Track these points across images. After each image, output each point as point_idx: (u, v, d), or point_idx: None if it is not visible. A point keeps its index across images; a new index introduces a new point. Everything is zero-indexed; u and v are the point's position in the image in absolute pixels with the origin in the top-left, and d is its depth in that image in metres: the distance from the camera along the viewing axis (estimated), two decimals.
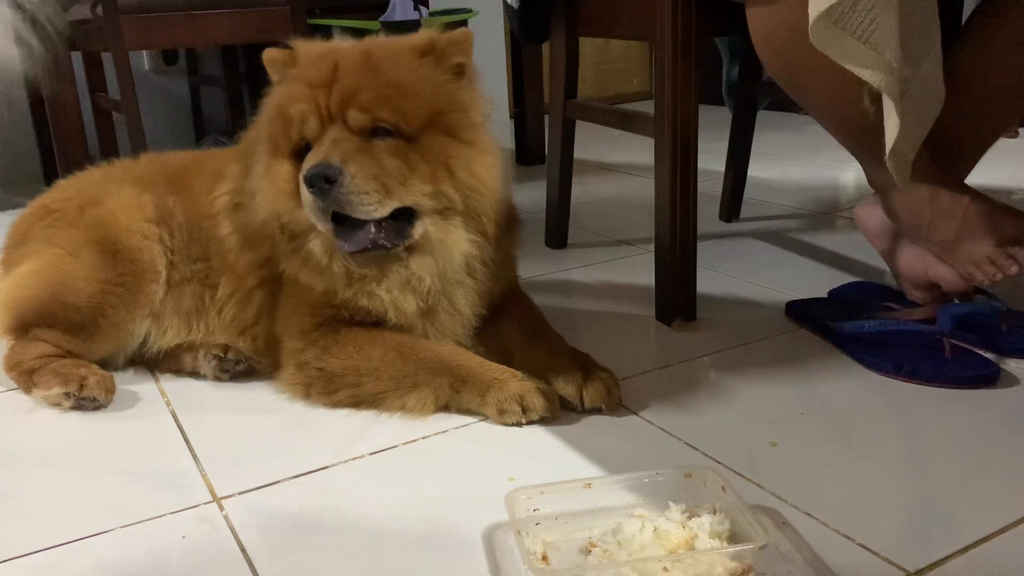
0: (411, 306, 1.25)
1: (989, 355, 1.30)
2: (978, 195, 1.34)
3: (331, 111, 1.18)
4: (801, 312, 1.50)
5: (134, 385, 1.39)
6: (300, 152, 1.21)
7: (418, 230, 1.22)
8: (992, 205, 1.33)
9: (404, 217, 1.21)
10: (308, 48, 1.27)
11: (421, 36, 1.24)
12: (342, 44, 1.27)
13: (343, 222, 1.18)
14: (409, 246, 1.23)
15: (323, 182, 1.13)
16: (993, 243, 1.31)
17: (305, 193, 1.16)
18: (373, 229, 1.18)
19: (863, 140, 1.33)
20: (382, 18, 2.69)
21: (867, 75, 1.09)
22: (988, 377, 1.24)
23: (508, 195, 1.31)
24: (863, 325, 1.34)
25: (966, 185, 1.36)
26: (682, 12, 1.42)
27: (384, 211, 1.17)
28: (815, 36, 1.09)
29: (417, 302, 1.25)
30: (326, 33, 2.58)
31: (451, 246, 1.24)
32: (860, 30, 1.07)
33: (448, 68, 1.22)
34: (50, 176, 2.31)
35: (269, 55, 1.28)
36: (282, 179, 1.24)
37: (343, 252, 1.22)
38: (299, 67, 1.24)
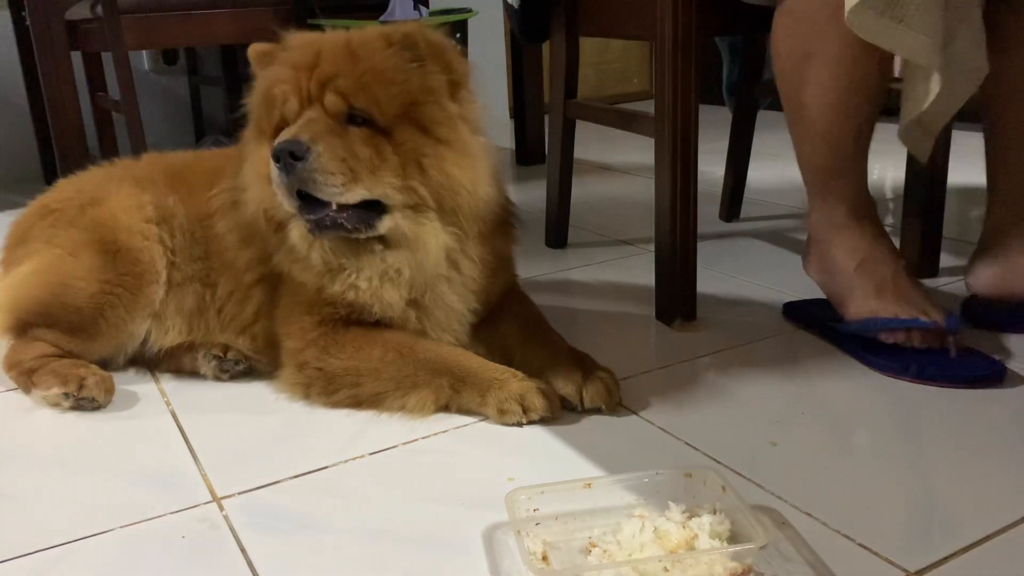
0: (393, 297, 1.25)
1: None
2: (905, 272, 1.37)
3: (311, 93, 1.19)
4: (799, 313, 1.50)
5: (134, 385, 1.39)
6: (276, 134, 1.21)
7: (386, 223, 1.21)
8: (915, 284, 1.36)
9: (374, 210, 1.20)
10: (295, 37, 1.28)
11: (399, 27, 1.23)
12: (330, 33, 1.28)
13: (309, 202, 1.18)
14: (384, 240, 1.23)
15: (288, 157, 1.13)
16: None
17: (273, 169, 1.16)
18: (335, 207, 1.18)
19: (842, 159, 1.35)
20: (382, 18, 2.68)
21: (918, 58, 1.10)
22: (995, 376, 1.24)
23: (499, 195, 1.30)
24: (868, 325, 1.33)
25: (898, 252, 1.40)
26: (682, 12, 1.42)
27: (350, 197, 1.17)
28: (855, 23, 1.09)
29: (400, 293, 1.26)
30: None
31: (425, 240, 1.23)
32: (906, 15, 1.08)
33: (428, 62, 1.22)
34: (50, 176, 2.31)
35: (256, 48, 1.29)
36: (262, 162, 1.23)
37: (315, 237, 1.22)
38: (286, 53, 1.25)
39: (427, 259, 1.24)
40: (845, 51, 1.25)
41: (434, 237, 1.23)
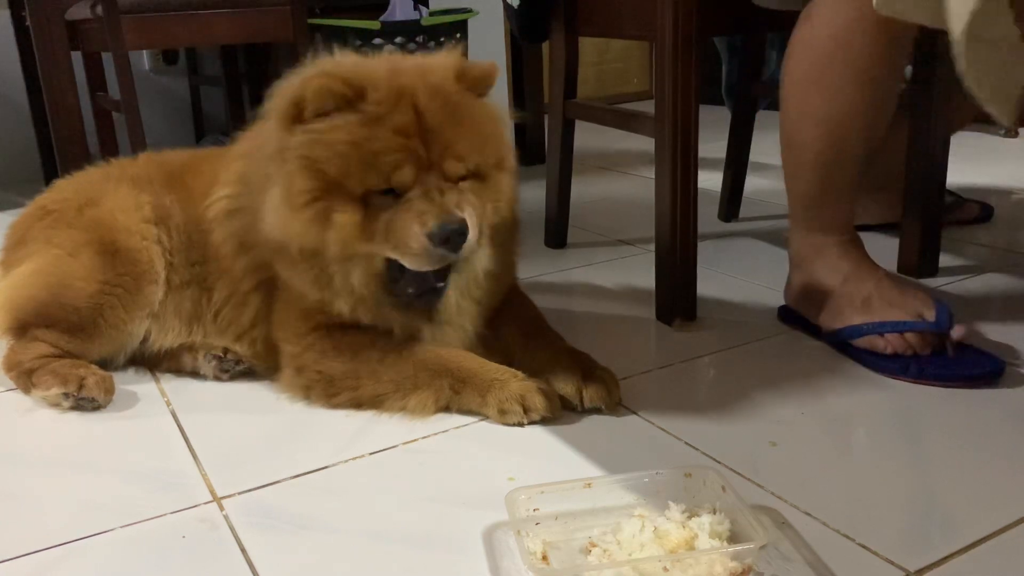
0: (424, 327, 1.26)
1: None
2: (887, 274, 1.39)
3: (431, 161, 1.15)
4: (795, 315, 1.49)
5: (134, 385, 1.39)
6: (366, 196, 1.16)
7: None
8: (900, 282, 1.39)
9: None
10: (369, 78, 1.16)
11: (470, 69, 1.21)
12: (396, 72, 1.18)
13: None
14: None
15: (459, 237, 1.13)
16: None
17: (425, 246, 1.13)
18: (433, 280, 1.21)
19: (830, 190, 1.38)
20: (382, 18, 2.68)
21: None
22: (994, 373, 1.24)
23: None
24: (862, 328, 1.33)
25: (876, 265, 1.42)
26: (683, 11, 1.42)
27: (476, 247, 1.20)
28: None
29: (427, 324, 1.26)
30: (326, 32, 2.58)
31: (475, 265, 1.25)
32: None
33: (487, 94, 1.24)
34: (50, 176, 2.31)
35: (328, 86, 1.13)
36: (348, 224, 1.15)
37: (397, 295, 1.22)
38: (371, 105, 1.14)
39: (475, 283, 1.26)
40: (847, 82, 1.28)
41: (481, 261, 1.25)
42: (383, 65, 1.20)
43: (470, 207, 1.17)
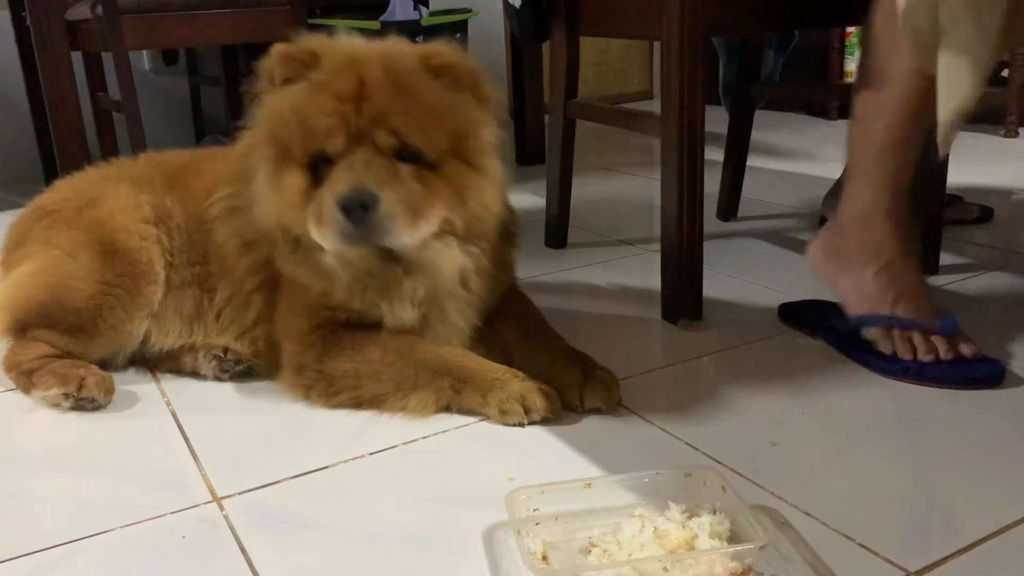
0: (410, 316, 1.26)
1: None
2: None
3: (361, 129, 1.13)
4: (794, 314, 1.49)
5: (134, 385, 1.39)
6: (314, 163, 1.16)
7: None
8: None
9: None
10: (326, 50, 1.18)
11: (437, 51, 1.19)
12: (359, 48, 1.20)
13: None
14: (403, 265, 1.22)
15: (360, 208, 1.10)
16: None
17: (333, 215, 1.11)
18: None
19: (906, 133, 1.33)
20: (382, 18, 2.69)
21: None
22: (995, 377, 1.24)
23: (506, 204, 1.30)
24: (867, 319, 1.33)
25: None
26: (689, 10, 1.42)
27: (416, 237, 1.15)
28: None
29: (416, 312, 1.26)
30: (326, 32, 2.58)
31: (441, 265, 1.22)
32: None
33: (465, 90, 1.20)
34: (50, 176, 2.31)
35: (284, 50, 1.17)
36: (292, 190, 1.18)
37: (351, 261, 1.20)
38: (321, 73, 1.16)
39: (441, 281, 1.24)
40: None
41: (451, 262, 1.23)
42: (360, 43, 1.21)
43: (401, 187, 1.12)
